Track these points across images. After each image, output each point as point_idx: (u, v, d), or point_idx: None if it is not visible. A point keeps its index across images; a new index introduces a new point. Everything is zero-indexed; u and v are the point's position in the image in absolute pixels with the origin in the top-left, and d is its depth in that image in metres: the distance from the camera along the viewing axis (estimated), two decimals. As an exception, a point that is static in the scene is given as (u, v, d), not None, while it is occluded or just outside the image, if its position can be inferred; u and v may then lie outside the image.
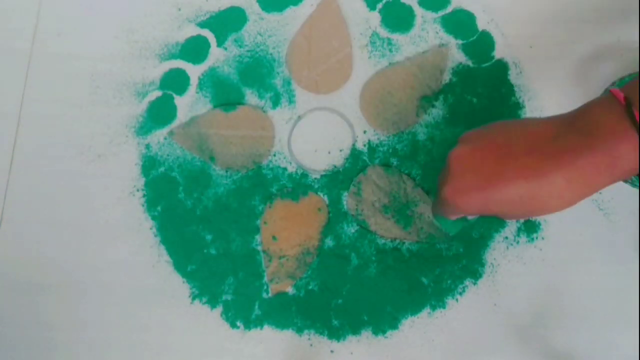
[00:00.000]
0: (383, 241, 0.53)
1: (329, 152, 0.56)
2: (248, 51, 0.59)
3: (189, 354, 0.52)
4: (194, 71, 0.59)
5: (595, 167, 0.35)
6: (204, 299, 0.53)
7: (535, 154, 0.36)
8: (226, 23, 0.60)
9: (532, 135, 0.38)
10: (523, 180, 0.36)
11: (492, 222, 0.53)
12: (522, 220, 0.52)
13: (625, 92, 0.35)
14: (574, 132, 0.36)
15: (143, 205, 0.56)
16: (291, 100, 0.58)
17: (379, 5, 0.59)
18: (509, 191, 0.37)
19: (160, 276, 0.54)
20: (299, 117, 0.57)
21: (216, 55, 0.59)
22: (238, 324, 0.53)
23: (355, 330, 0.52)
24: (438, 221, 0.45)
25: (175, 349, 0.53)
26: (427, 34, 0.58)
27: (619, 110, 0.35)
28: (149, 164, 0.57)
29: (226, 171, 0.56)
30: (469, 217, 0.44)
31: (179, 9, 0.61)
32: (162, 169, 0.57)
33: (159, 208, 0.56)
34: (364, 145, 0.56)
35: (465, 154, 0.39)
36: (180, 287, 0.54)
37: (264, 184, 0.56)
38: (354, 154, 0.56)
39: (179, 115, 0.58)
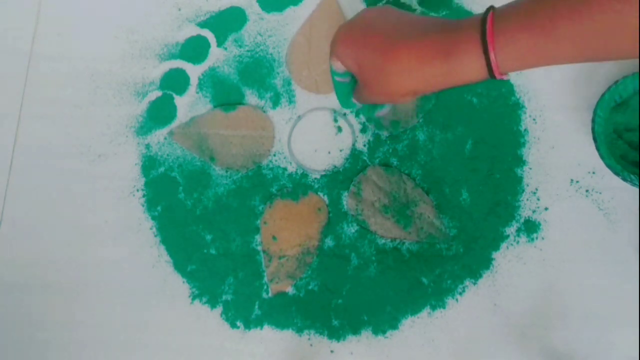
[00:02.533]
0: (383, 241, 0.53)
1: (329, 152, 0.56)
2: (248, 51, 0.59)
3: (189, 354, 0.52)
4: (194, 71, 0.59)
5: (433, 49, 0.38)
6: (204, 299, 0.53)
7: (403, 29, 0.41)
8: (226, 23, 0.60)
9: (416, 19, 0.42)
10: (379, 43, 0.40)
11: (492, 222, 0.53)
12: (522, 221, 0.52)
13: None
14: (439, 23, 0.40)
15: (143, 205, 0.56)
16: (291, 100, 0.58)
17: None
18: (365, 49, 0.41)
19: (160, 276, 0.54)
20: (299, 117, 0.57)
21: (216, 55, 0.59)
22: (238, 324, 0.53)
23: (355, 330, 0.52)
24: (334, 80, 0.48)
25: (175, 349, 0.53)
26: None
27: (478, 17, 0.37)
28: (149, 164, 0.57)
29: (226, 171, 0.56)
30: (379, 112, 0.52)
31: (179, 9, 0.61)
32: (162, 169, 0.57)
33: (159, 208, 0.56)
34: (364, 145, 0.56)
35: (371, 11, 0.44)
36: (180, 287, 0.54)
37: (264, 184, 0.56)
38: (354, 154, 0.56)
39: (179, 115, 0.58)
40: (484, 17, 0.37)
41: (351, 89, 0.48)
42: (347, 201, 0.54)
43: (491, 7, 0.37)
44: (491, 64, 0.36)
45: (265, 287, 0.53)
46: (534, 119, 0.54)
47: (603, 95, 0.50)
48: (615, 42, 0.33)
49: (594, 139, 0.49)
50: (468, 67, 0.37)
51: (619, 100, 0.51)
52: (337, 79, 0.48)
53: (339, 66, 0.45)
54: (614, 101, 0.51)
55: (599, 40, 0.33)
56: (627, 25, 0.32)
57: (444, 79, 0.39)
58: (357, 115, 0.55)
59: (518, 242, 0.52)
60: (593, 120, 0.50)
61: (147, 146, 0.58)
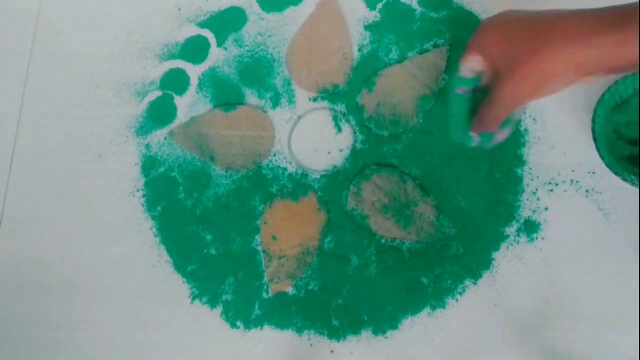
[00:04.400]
0: (383, 241, 0.53)
1: (329, 152, 0.56)
2: (248, 51, 0.59)
3: (189, 354, 0.52)
4: (194, 71, 0.59)
5: (606, 15, 0.35)
6: (204, 299, 0.53)
7: (548, 17, 0.38)
8: (226, 23, 0.60)
9: (557, 11, 0.39)
10: (529, 29, 0.38)
11: (492, 222, 0.53)
12: (522, 221, 0.52)
13: None
14: (593, 13, 0.36)
15: (143, 205, 0.56)
16: (291, 100, 0.58)
17: (379, 5, 0.59)
18: (513, 36, 0.39)
19: (160, 276, 0.54)
20: (299, 117, 0.57)
21: (216, 55, 0.59)
22: (238, 324, 0.53)
23: (355, 330, 0.52)
24: (451, 102, 0.45)
25: (175, 349, 0.53)
26: (427, 33, 0.58)
27: None
28: (149, 164, 0.57)
29: (226, 171, 0.56)
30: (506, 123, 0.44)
31: (179, 9, 0.61)
32: (162, 169, 0.57)
33: (159, 208, 0.56)
34: (364, 145, 0.56)
35: (508, 13, 0.42)
36: (180, 287, 0.54)
37: (264, 184, 0.56)
38: (354, 154, 0.56)
39: (179, 115, 0.58)
40: None
41: (470, 109, 0.44)
42: (347, 201, 0.54)
43: None
44: None
45: (265, 287, 0.53)
46: (534, 119, 0.54)
47: (603, 95, 0.50)
48: None
49: (594, 139, 0.49)
50: (621, 56, 0.34)
51: (619, 100, 0.51)
52: (459, 90, 0.43)
53: (471, 66, 0.41)
54: (614, 101, 0.51)
55: None
56: None
57: (617, 51, 0.34)
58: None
59: (518, 242, 0.52)
60: (593, 121, 0.50)
61: (147, 146, 0.58)
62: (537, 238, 0.52)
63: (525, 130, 0.54)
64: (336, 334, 0.52)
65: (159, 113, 0.59)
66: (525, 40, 0.38)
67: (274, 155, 0.56)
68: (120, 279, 0.54)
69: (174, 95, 0.59)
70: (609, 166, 0.49)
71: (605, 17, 0.35)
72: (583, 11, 0.37)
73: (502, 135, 0.45)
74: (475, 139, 0.44)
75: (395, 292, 0.52)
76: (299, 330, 0.52)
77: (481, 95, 0.43)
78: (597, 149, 0.49)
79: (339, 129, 0.56)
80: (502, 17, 0.41)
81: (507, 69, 0.39)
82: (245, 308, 0.53)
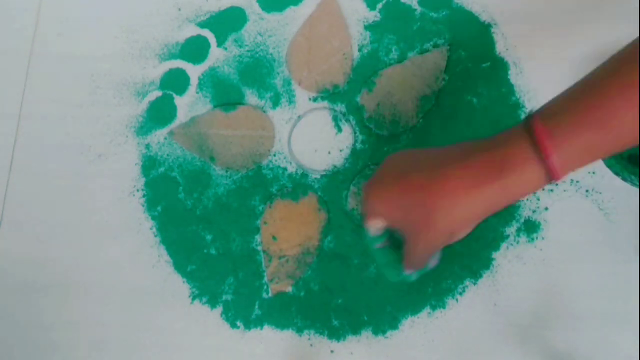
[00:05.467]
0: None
1: (329, 152, 0.56)
2: (248, 51, 0.59)
3: (189, 354, 0.52)
4: (194, 71, 0.59)
5: (485, 168, 0.35)
6: (204, 299, 0.53)
7: (444, 157, 0.38)
8: (226, 23, 0.60)
9: (451, 147, 0.39)
10: (423, 178, 0.37)
11: (492, 222, 0.53)
12: (522, 221, 0.52)
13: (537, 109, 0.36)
14: (480, 143, 0.37)
15: (143, 205, 0.56)
16: (291, 100, 0.58)
17: (379, 5, 0.59)
18: (409, 191, 0.38)
19: (160, 276, 0.54)
20: (299, 117, 0.57)
21: (216, 55, 0.59)
22: (238, 324, 0.53)
23: (355, 330, 0.52)
24: (372, 251, 0.45)
25: (175, 349, 0.53)
26: (427, 33, 0.58)
27: (522, 122, 0.35)
28: (149, 163, 0.57)
29: (226, 171, 0.56)
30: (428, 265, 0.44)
31: (179, 9, 0.61)
32: (162, 169, 0.57)
33: (159, 208, 0.56)
34: (364, 145, 0.56)
35: (394, 157, 0.41)
36: (180, 287, 0.54)
37: (264, 184, 0.56)
38: (354, 154, 0.56)
39: (179, 115, 0.58)
40: (527, 122, 0.35)
41: (395, 256, 0.44)
42: (347, 201, 0.54)
43: (531, 112, 0.35)
44: (551, 170, 0.34)
45: (265, 287, 0.53)
46: (534, 119, 0.54)
47: None
48: None
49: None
50: (526, 178, 0.35)
51: None
52: (377, 246, 0.43)
53: (376, 228, 0.41)
54: None
55: None
56: None
57: (501, 197, 0.36)
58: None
59: (518, 242, 0.52)
60: None
61: (147, 146, 0.58)
62: (537, 238, 0.52)
63: (525, 130, 0.54)
64: (336, 334, 0.52)
65: (159, 113, 0.59)
66: (417, 200, 0.37)
67: (274, 155, 0.56)
68: (120, 279, 0.54)
69: (174, 95, 0.59)
70: (609, 166, 0.49)
71: (484, 162, 0.36)
72: (464, 156, 0.37)
73: (433, 262, 0.45)
74: (412, 275, 0.44)
75: (395, 292, 0.52)
76: (299, 330, 0.52)
77: (400, 236, 0.43)
78: None
79: (339, 129, 0.56)
80: (382, 175, 0.41)
81: (411, 231, 0.39)
82: (245, 308, 0.53)
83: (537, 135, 0.34)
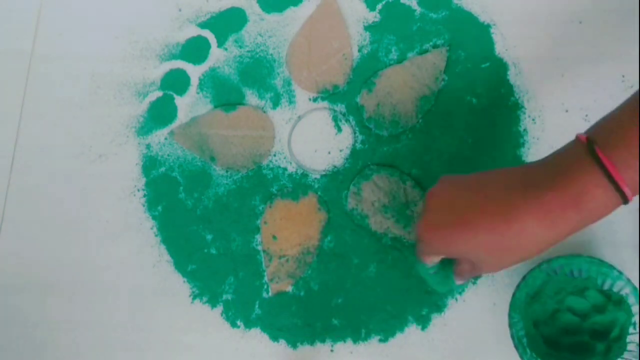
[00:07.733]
0: (383, 241, 0.53)
1: (329, 152, 0.56)
2: (248, 52, 0.59)
3: (189, 354, 0.52)
4: (195, 71, 0.59)
5: (561, 203, 0.35)
6: (205, 299, 0.53)
7: (504, 193, 0.37)
8: (226, 24, 0.60)
9: (503, 177, 0.39)
10: (491, 220, 0.37)
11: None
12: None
13: (589, 133, 0.37)
14: (540, 173, 0.37)
15: (144, 205, 0.56)
16: (291, 101, 0.58)
17: (379, 6, 0.59)
18: (478, 234, 0.37)
19: (161, 276, 0.54)
20: (299, 117, 0.57)
21: (216, 55, 0.60)
22: (238, 323, 0.53)
23: (355, 330, 0.52)
24: (423, 274, 0.46)
25: (175, 349, 0.53)
26: (426, 34, 0.58)
27: (582, 150, 0.36)
28: (149, 164, 0.57)
29: (226, 171, 0.56)
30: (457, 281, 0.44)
31: (180, 10, 0.61)
32: (162, 169, 0.57)
33: (159, 208, 0.56)
34: (364, 145, 0.56)
35: (440, 192, 0.41)
36: (180, 286, 0.54)
37: (264, 184, 0.56)
38: (354, 154, 0.56)
39: (180, 115, 0.58)
40: (590, 148, 0.35)
41: (445, 272, 0.44)
42: (347, 201, 0.54)
43: (589, 137, 0.36)
44: (624, 193, 0.34)
45: (265, 286, 0.53)
46: (533, 120, 0.55)
47: (514, 295, 0.47)
48: None
49: (515, 346, 0.46)
50: (602, 205, 0.35)
51: (531, 293, 0.48)
52: (431, 273, 0.44)
53: (432, 262, 0.42)
54: (527, 296, 0.48)
55: None
56: None
57: (579, 225, 0.36)
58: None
59: (518, 242, 0.52)
60: (510, 325, 0.46)
61: (148, 146, 0.58)
62: (536, 238, 0.52)
63: (524, 130, 0.54)
64: (336, 334, 0.52)
65: (160, 113, 0.59)
66: (485, 238, 0.37)
67: (274, 155, 0.56)
68: (120, 278, 0.54)
69: (175, 95, 0.59)
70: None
71: (560, 195, 0.35)
72: (531, 188, 0.36)
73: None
74: (462, 284, 0.46)
75: (395, 292, 0.52)
76: (299, 330, 0.52)
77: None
78: (521, 356, 0.46)
79: (339, 129, 0.56)
80: (432, 212, 0.40)
81: (476, 259, 0.40)
82: (246, 307, 0.53)
83: (607, 167, 0.34)
